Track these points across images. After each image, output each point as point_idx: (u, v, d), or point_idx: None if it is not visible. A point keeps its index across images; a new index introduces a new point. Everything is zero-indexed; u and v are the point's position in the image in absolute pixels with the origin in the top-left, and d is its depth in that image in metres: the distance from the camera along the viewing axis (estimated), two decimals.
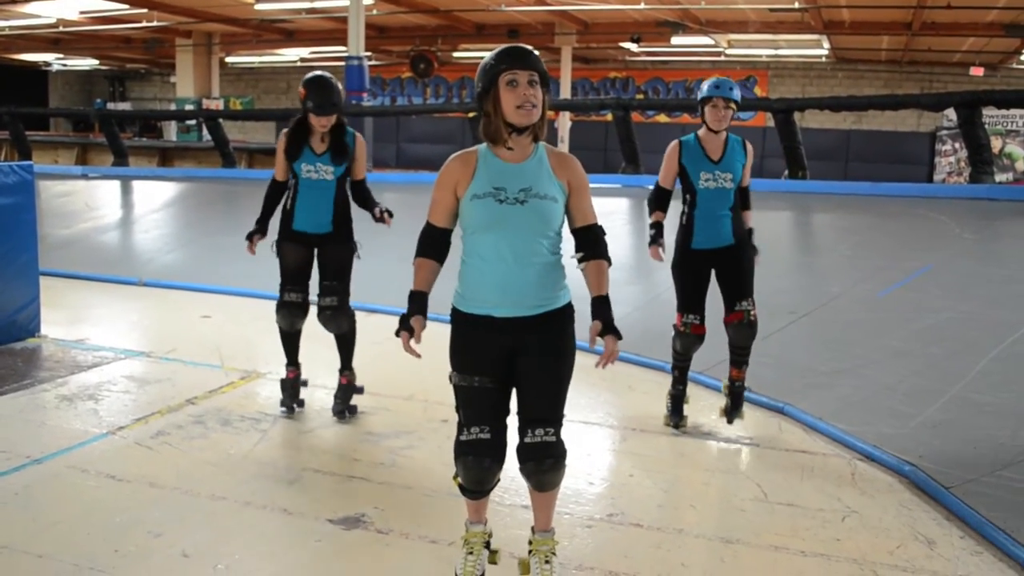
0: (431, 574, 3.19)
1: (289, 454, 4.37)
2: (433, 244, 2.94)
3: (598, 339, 2.86)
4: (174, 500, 3.73)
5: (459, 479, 2.99)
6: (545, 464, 2.89)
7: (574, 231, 2.97)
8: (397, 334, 2.84)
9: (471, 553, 3.04)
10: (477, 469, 2.89)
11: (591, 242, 2.95)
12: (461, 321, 2.92)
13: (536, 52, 2.83)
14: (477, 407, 2.90)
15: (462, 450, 2.91)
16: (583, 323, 2.89)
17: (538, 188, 2.83)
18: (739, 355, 4.70)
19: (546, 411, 2.90)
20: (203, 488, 3.85)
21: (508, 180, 2.82)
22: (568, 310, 2.94)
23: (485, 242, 2.83)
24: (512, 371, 2.89)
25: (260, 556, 3.28)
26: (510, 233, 2.80)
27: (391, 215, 4.80)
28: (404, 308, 2.89)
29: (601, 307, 2.87)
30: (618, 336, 2.85)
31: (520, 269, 2.82)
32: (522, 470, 2.94)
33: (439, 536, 3.43)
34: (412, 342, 2.82)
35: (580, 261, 2.96)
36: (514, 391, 2.95)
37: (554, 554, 3.05)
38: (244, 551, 3.31)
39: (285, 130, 4.69)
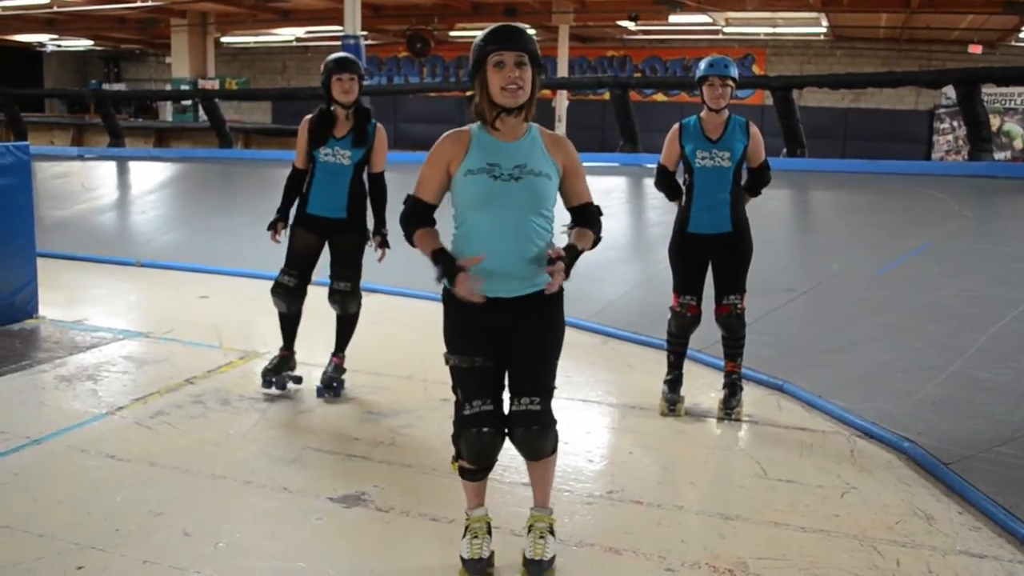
0: (432, 552, 3.20)
1: (289, 433, 4.37)
2: (423, 217, 2.92)
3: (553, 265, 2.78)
4: (174, 479, 3.73)
5: (459, 462, 3.03)
6: (531, 430, 2.91)
7: (570, 209, 2.99)
8: (448, 287, 2.82)
9: (476, 537, 3.05)
10: (480, 440, 2.91)
11: (585, 216, 2.98)
12: (453, 302, 2.92)
13: (528, 30, 2.82)
14: (477, 384, 2.93)
15: (466, 423, 2.93)
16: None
17: (532, 165, 2.84)
18: (731, 346, 4.68)
19: (532, 383, 2.95)
20: (203, 467, 3.86)
21: (502, 157, 2.83)
22: (558, 291, 2.95)
23: (479, 220, 2.85)
24: (504, 349, 2.94)
25: (261, 534, 3.29)
26: (504, 211, 2.81)
27: (388, 247, 4.78)
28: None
29: (569, 248, 2.85)
30: (567, 272, 2.81)
31: (513, 248, 2.83)
32: (511, 437, 2.96)
33: (440, 514, 3.44)
34: (470, 284, 2.76)
35: (569, 229, 2.97)
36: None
37: (551, 532, 3.07)
38: (244, 529, 3.31)
39: (308, 116, 4.68)
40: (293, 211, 4.80)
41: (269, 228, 4.76)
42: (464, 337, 2.93)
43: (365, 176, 4.76)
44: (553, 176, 2.88)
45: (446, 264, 2.80)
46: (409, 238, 2.94)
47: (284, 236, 4.78)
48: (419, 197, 2.92)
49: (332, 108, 4.63)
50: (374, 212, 4.81)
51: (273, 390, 4.85)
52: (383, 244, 4.78)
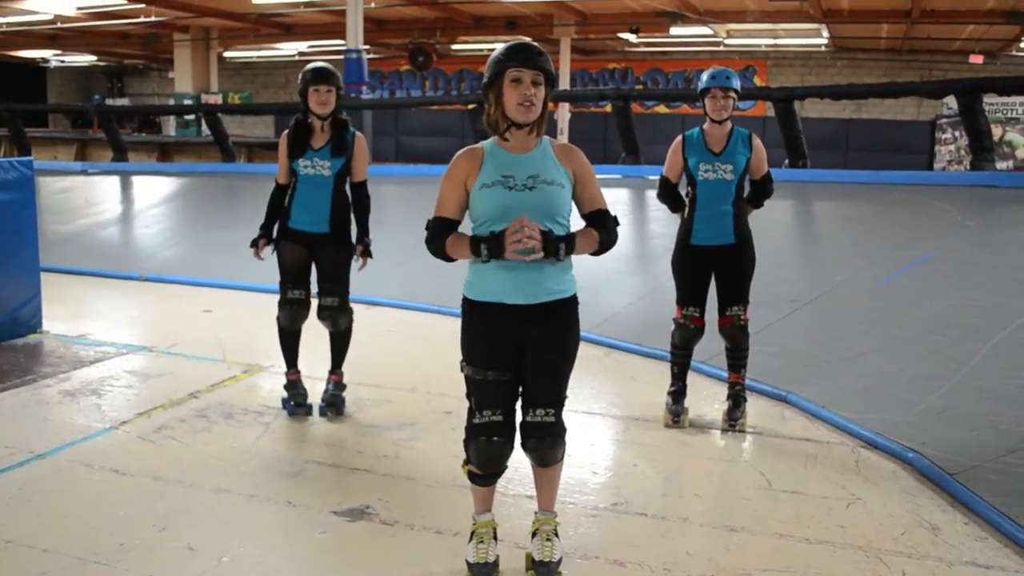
0: (436, 565, 3.19)
1: (292, 447, 4.37)
2: (448, 233, 2.95)
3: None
4: (178, 493, 3.73)
5: (469, 466, 3.07)
6: (545, 441, 2.99)
7: (584, 217, 3.01)
8: (488, 256, 2.79)
9: (482, 542, 3.09)
10: (490, 449, 2.98)
11: (597, 221, 2.97)
12: (472, 311, 2.98)
13: (545, 52, 2.88)
14: (490, 394, 2.98)
15: (475, 432, 2.99)
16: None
17: (545, 175, 2.88)
18: (735, 358, 4.68)
19: (547, 395, 3.00)
20: (207, 481, 3.85)
21: (515, 169, 2.88)
22: (573, 301, 3.01)
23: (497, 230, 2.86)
24: (520, 361, 2.97)
25: (265, 548, 3.29)
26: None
27: (371, 256, 4.71)
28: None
29: (565, 236, 2.85)
30: (547, 245, 2.78)
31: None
32: (524, 446, 3.02)
33: (444, 527, 3.44)
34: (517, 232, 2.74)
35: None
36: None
37: (556, 535, 3.11)
38: (249, 543, 3.31)
39: (286, 131, 4.62)
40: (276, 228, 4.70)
41: (251, 245, 4.67)
42: (481, 349, 2.97)
43: (348, 188, 4.68)
44: (566, 184, 2.92)
45: (487, 240, 2.80)
46: (439, 254, 2.97)
47: (267, 253, 4.69)
48: (440, 216, 2.96)
49: (309, 120, 4.56)
50: (357, 222, 4.73)
51: (306, 410, 4.78)
52: (365, 253, 4.69)
